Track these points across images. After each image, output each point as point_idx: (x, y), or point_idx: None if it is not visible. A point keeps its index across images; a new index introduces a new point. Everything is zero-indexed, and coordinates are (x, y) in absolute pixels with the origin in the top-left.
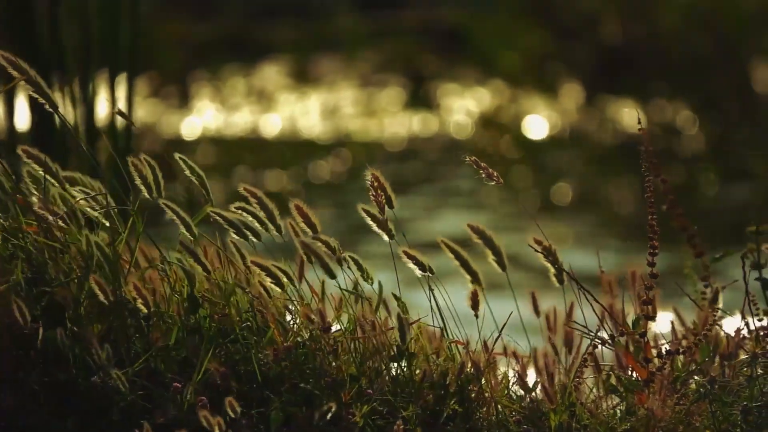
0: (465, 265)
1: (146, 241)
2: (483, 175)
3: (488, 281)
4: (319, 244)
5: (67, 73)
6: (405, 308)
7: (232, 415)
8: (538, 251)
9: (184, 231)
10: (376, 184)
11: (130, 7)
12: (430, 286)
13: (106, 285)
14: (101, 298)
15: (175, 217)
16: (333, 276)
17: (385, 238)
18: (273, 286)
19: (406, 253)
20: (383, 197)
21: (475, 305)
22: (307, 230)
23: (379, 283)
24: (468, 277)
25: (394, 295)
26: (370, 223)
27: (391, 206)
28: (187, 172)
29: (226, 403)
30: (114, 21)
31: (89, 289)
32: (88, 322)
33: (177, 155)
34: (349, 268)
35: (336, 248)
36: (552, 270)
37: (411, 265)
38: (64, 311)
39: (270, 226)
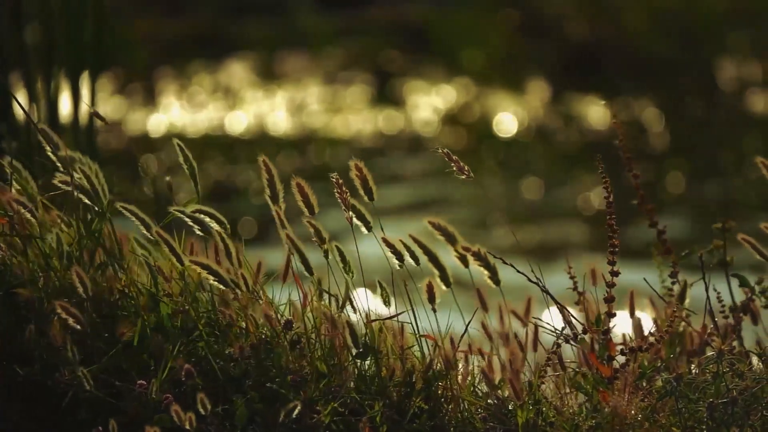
0: (434, 260)
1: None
2: (454, 168)
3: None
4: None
5: (30, 70)
6: (388, 299)
7: (202, 412)
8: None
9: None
10: (358, 174)
11: (94, 4)
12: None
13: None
14: (80, 291)
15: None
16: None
17: (363, 230)
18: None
19: (385, 240)
20: (367, 188)
21: (431, 298)
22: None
23: (346, 283)
24: (436, 272)
25: (380, 287)
26: (350, 213)
27: (371, 198)
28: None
29: (197, 399)
30: (78, 18)
31: (53, 286)
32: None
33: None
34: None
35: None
36: (486, 273)
37: (389, 254)
38: (30, 308)
39: None
